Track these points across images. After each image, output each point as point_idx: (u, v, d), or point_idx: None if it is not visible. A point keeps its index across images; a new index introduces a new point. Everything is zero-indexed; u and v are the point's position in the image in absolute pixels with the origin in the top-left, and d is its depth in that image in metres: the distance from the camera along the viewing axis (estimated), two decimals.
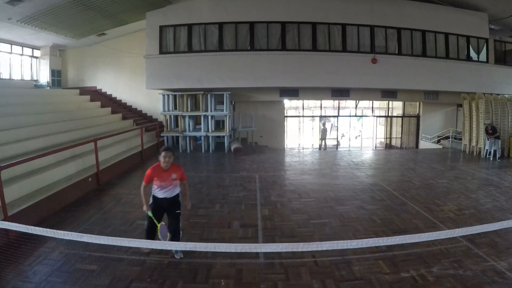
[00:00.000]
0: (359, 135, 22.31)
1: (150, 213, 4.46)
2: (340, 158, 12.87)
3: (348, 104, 21.24)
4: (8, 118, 8.72)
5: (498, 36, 16.38)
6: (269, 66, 13.97)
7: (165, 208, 4.54)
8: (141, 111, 17.62)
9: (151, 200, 4.56)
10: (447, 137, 16.59)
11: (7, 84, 13.93)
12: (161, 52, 14.23)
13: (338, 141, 20.81)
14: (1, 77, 14.45)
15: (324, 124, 19.79)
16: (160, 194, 4.45)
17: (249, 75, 14.02)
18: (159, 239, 4.36)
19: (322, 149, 18.69)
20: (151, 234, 4.56)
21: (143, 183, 4.48)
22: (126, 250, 4.70)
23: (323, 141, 19.23)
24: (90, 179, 8.07)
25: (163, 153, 4.37)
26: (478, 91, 14.06)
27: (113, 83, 17.63)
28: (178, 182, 4.53)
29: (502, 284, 3.87)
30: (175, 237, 4.50)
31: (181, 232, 4.70)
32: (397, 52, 14.59)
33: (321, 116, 19.80)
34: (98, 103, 14.73)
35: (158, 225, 4.44)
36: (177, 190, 4.55)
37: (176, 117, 14.79)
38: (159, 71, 14.22)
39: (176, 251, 4.58)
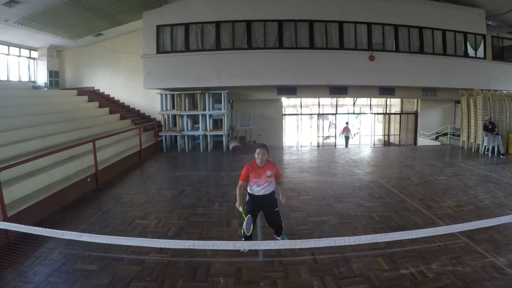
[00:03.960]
0: (357, 133, 22.29)
1: (241, 208, 4.53)
2: (338, 156, 12.88)
3: (346, 102, 21.25)
4: (6, 120, 8.70)
5: (496, 32, 16.41)
6: (266, 65, 13.97)
7: (260, 206, 4.57)
8: (139, 110, 17.61)
9: (247, 198, 4.63)
10: (445, 134, 16.61)
11: (5, 85, 13.92)
12: (158, 51, 14.21)
13: (325, 137, 20.78)
14: None
15: (347, 123, 19.33)
16: (256, 191, 4.48)
17: (247, 74, 14.02)
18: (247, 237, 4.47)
19: (346, 146, 18.34)
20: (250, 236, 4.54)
21: (240, 182, 4.52)
22: (126, 249, 4.70)
23: (347, 138, 18.84)
24: (89, 179, 8.06)
25: (257, 150, 4.40)
26: (476, 87, 14.07)
27: (110, 83, 17.61)
28: (273, 179, 4.53)
29: (501, 280, 3.88)
30: (278, 231, 4.73)
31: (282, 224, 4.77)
32: (394, 49, 14.61)
33: (319, 114, 19.80)
34: (96, 103, 14.71)
35: (245, 218, 4.36)
36: (272, 188, 4.55)
37: (174, 116, 14.78)
38: (157, 70, 14.21)
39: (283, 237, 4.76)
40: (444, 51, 14.98)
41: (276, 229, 4.73)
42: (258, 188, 4.47)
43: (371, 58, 14.15)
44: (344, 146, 18.43)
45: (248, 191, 4.58)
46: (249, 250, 4.62)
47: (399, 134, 19.89)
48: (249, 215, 4.37)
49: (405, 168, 10.48)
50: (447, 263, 4.27)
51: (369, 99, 19.62)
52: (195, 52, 14.11)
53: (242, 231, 4.42)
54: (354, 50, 14.29)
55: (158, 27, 14.13)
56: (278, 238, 4.81)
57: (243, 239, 4.53)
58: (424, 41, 14.76)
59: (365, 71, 14.24)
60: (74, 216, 6.32)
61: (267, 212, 4.63)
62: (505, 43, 16.84)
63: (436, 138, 17.39)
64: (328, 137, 21.15)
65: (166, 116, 14.62)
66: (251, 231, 4.36)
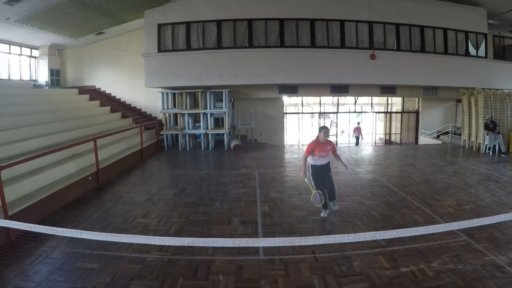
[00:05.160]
0: (343, 132, 22.18)
1: (306, 180, 5.98)
2: (339, 154, 12.81)
3: (347, 101, 21.23)
4: (7, 118, 8.71)
5: (497, 31, 16.33)
6: (268, 63, 13.95)
7: (323, 173, 5.88)
8: (140, 109, 17.62)
9: (310, 171, 5.93)
10: (447, 133, 16.59)
11: (6, 84, 13.91)
12: (160, 50, 14.21)
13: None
14: (0, 78, 14.44)
15: (358, 123, 19.29)
16: (320, 162, 5.83)
17: (248, 72, 14.01)
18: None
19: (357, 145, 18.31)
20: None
21: (305, 154, 5.89)
22: (127, 248, 4.71)
23: (358, 139, 18.79)
24: (90, 178, 8.08)
25: (323, 130, 5.80)
26: (477, 86, 14.03)
27: (112, 82, 17.60)
28: (331, 152, 5.94)
29: (502, 278, 3.88)
30: (332, 192, 6.05)
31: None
32: (395, 48, 14.56)
33: (320, 113, 19.79)
34: (97, 102, 14.72)
35: (313, 192, 5.74)
36: (330, 159, 5.98)
37: (175, 115, 14.76)
38: (158, 69, 14.22)
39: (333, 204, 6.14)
40: (446, 50, 14.92)
41: (330, 192, 6.01)
42: (322, 159, 5.81)
43: (373, 57, 14.12)
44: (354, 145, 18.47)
45: (312, 163, 5.88)
46: (249, 248, 4.62)
47: (400, 133, 19.85)
48: (318, 191, 5.67)
49: (406, 166, 10.47)
50: (447, 262, 4.28)
51: (370, 97, 19.60)
52: (197, 51, 14.11)
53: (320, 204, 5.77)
54: (355, 49, 14.26)
55: (159, 25, 14.12)
56: (330, 203, 6.10)
57: (321, 210, 5.97)
58: (425, 40, 14.71)
59: (367, 69, 14.21)
60: (75, 214, 6.34)
61: (325, 177, 5.90)
62: (506, 42, 16.76)
63: (437, 137, 17.36)
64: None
65: (167, 115, 14.61)
66: (322, 201, 5.68)
